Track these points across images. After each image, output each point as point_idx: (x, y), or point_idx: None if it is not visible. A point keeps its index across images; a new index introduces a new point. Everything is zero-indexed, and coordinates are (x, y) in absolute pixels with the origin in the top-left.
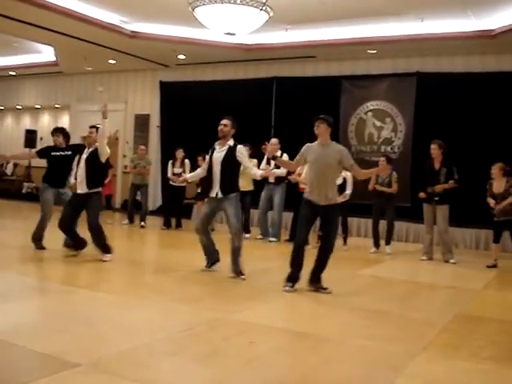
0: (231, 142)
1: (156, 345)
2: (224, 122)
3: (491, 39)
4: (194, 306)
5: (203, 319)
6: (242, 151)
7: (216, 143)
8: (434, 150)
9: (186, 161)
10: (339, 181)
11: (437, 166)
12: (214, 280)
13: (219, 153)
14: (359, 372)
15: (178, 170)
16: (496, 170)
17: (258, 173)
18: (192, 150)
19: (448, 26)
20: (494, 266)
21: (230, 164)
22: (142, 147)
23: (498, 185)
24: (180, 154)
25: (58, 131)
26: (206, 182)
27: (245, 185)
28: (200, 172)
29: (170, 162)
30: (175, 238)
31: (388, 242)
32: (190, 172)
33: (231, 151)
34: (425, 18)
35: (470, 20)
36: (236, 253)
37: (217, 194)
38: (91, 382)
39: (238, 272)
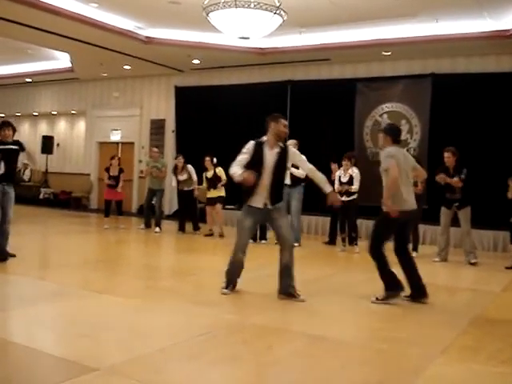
0: (281, 143)
1: (174, 349)
2: (286, 122)
3: (507, 39)
4: (213, 310)
5: (222, 323)
6: (295, 151)
7: (263, 142)
8: (449, 158)
9: (189, 166)
10: (345, 178)
11: (450, 171)
12: None
13: (271, 155)
14: (377, 375)
15: (182, 178)
16: None
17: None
18: (207, 153)
19: (463, 27)
20: None
21: (282, 168)
22: (155, 149)
23: None
24: (180, 161)
25: (8, 124)
26: (245, 189)
27: None
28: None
29: (172, 171)
30: (191, 242)
31: (415, 248)
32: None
33: (284, 153)
34: (439, 19)
35: (486, 20)
36: (289, 270)
37: (265, 205)
38: None
39: (292, 293)
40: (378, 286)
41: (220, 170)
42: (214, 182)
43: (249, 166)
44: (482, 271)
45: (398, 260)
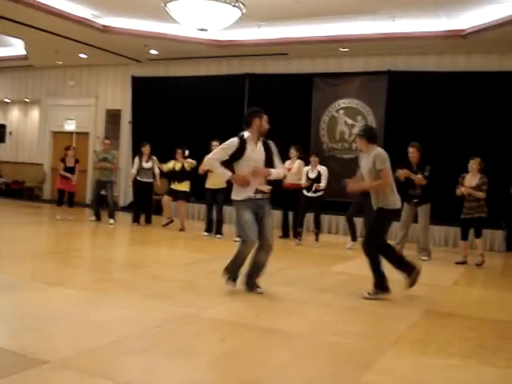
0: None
1: (126, 342)
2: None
3: (462, 39)
4: (165, 303)
5: (174, 316)
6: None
7: (246, 138)
8: (413, 153)
9: (154, 157)
10: (313, 175)
11: (414, 167)
12: (186, 277)
13: (256, 151)
14: (328, 368)
15: (146, 165)
16: (475, 164)
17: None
18: (163, 145)
19: (419, 26)
20: (464, 263)
21: (270, 162)
22: (107, 141)
23: (471, 179)
24: (147, 149)
25: None
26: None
27: (218, 182)
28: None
29: (137, 157)
30: (145, 234)
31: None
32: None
33: (268, 146)
34: (396, 17)
35: (441, 20)
36: (260, 268)
37: (255, 196)
38: (60, 380)
39: (254, 286)
40: (332, 280)
41: (188, 165)
42: (179, 175)
43: (231, 161)
44: (434, 266)
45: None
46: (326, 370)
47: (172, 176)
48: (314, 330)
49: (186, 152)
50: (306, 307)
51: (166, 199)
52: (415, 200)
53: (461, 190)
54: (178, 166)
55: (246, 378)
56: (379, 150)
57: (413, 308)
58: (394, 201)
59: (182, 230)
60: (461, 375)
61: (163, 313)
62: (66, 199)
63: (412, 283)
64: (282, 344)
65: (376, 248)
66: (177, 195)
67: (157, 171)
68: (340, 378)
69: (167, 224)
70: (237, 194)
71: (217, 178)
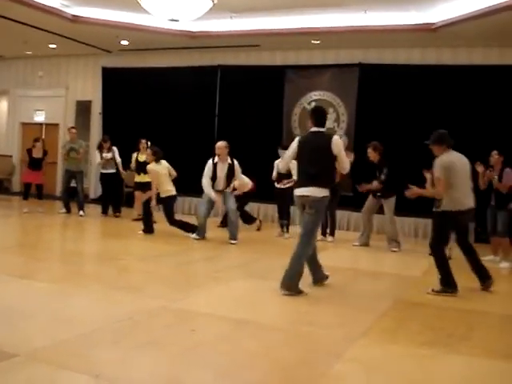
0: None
1: (96, 334)
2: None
3: (432, 32)
4: (135, 295)
5: (144, 308)
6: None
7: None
8: (370, 153)
9: (114, 147)
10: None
11: (376, 166)
12: (157, 269)
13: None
14: (299, 357)
15: (107, 155)
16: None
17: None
18: (134, 136)
19: (390, 19)
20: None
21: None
22: (73, 130)
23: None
24: (106, 144)
25: None
26: None
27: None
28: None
29: (97, 150)
30: (115, 226)
31: (332, 233)
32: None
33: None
34: (368, 10)
35: (412, 13)
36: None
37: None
38: (29, 373)
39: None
40: (305, 271)
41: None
42: (144, 166)
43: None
44: (404, 256)
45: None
46: (298, 359)
47: (137, 168)
48: (285, 320)
49: (149, 143)
50: (277, 298)
51: (137, 194)
52: (378, 194)
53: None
54: (142, 158)
55: (217, 368)
56: (441, 158)
57: (383, 298)
58: (454, 203)
59: (153, 222)
60: (429, 363)
61: (134, 305)
62: (34, 192)
63: (439, 291)
64: (254, 335)
65: (441, 247)
66: (144, 187)
67: (118, 160)
68: (311, 367)
69: (136, 219)
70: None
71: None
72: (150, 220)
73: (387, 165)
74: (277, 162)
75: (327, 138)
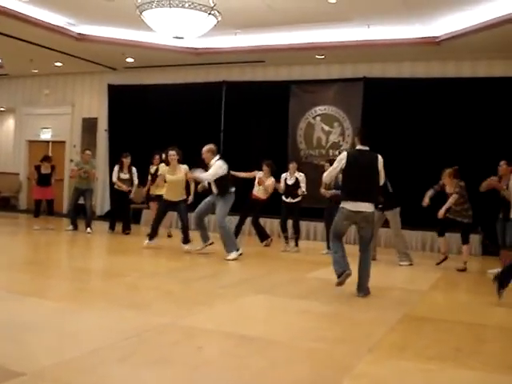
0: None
1: (103, 351)
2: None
3: (436, 46)
4: (142, 312)
5: (151, 325)
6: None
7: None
8: None
9: (133, 168)
10: (291, 181)
11: None
12: (163, 285)
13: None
14: (307, 374)
15: (124, 176)
16: (446, 177)
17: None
18: (140, 153)
19: (394, 33)
20: (444, 259)
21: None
22: (88, 152)
23: (450, 187)
24: (127, 160)
25: None
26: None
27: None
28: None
29: (117, 167)
30: (122, 243)
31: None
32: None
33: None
34: (371, 25)
35: (415, 27)
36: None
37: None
38: None
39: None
40: (310, 286)
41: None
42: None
43: None
44: (411, 270)
45: None
46: (305, 376)
47: (152, 181)
48: (292, 336)
49: (163, 156)
50: (284, 314)
51: (152, 206)
52: (379, 206)
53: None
54: (153, 170)
55: None
56: None
57: (390, 313)
58: None
59: (169, 236)
60: (438, 379)
61: (141, 322)
62: (44, 209)
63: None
64: (260, 351)
65: None
66: (158, 200)
67: (135, 182)
68: (319, 383)
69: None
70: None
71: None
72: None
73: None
74: (284, 175)
75: (375, 156)
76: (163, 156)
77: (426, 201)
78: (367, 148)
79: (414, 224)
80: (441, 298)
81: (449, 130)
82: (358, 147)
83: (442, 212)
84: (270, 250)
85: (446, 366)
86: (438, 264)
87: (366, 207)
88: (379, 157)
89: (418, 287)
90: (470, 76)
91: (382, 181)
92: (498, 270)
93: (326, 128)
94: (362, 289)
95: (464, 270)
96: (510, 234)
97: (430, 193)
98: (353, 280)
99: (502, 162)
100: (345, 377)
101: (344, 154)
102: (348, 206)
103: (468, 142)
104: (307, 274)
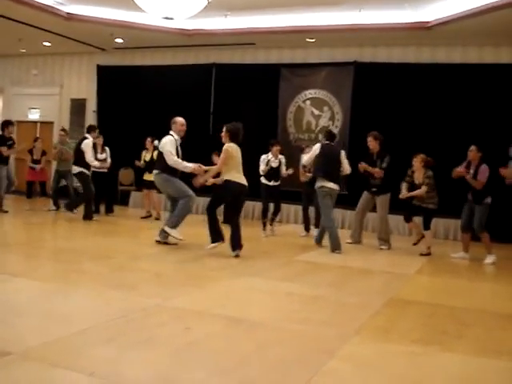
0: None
1: (89, 332)
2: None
3: (426, 31)
4: (130, 293)
5: (138, 306)
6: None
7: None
8: (371, 142)
9: (107, 148)
10: (275, 163)
11: (374, 157)
12: (151, 267)
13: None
14: (293, 355)
15: (101, 157)
16: (417, 162)
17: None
18: (129, 134)
19: (385, 17)
20: (421, 238)
21: None
22: (61, 132)
23: (419, 175)
24: (100, 140)
25: None
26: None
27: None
28: None
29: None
30: (109, 225)
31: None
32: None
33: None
34: (363, 8)
35: (407, 11)
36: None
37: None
38: (23, 371)
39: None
40: (297, 269)
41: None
42: (151, 165)
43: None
44: (397, 255)
45: None
46: (291, 357)
47: (145, 167)
48: (278, 318)
49: (155, 142)
50: (271, 296)
51: (144, 193)
52: (373, 189)
53: (402, 194)
54: (148, 157)
55: (211, 367)
56: None
57: (376, 296)
58: None
59: (157, 219)
60: (423, 361)
61: (128, 303)
62: (38, 190)
63: None
64: (247, 333)
65: None
66: (149, 185)
67: (109, 161)
68: (304, 365)
69: (144, 217)
70: None
71: None
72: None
73: (389, 155)
74: (265, 157)
75: (339, 149)
76: (155, 142)
77: (405, 193)
78: (332, 143)
79: (400, 209)
80: (426, 282)
81: (438, 115)
82: (326, 142)
83: (405, 195)
84: (254, 233)
85: (430, 349)
86: (414, 244)
87: (336, 186)
88: (342, 151)
89: (404, 271)
90: (460, 62)
91: (348, 169)
92: (461, 253)
93: (316, 112)
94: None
95: (428, 254)
96: (478, 218)
97: (404, 186)
98: (341, 265)
99: (473, 147)
100: (330, 358)
101: (318, 145)
102: (328, 185)
103: (457, 127)
104: (295, 257)
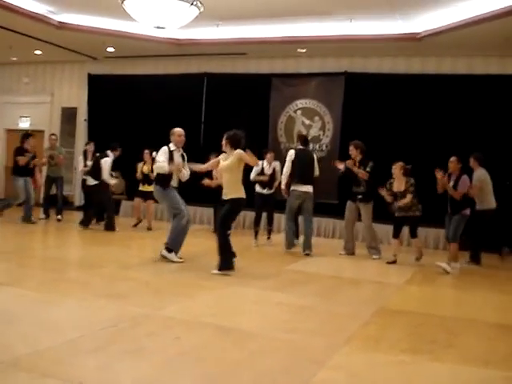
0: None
1: (79, 342)
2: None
3: (417, 42)
4: (119, 303)
5: (128, 315)
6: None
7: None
8: (352, 150)
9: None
10: (269, 171)
11: (357, 165)
12: (140, 276)
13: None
14: (282, 365)
15: (91, 164)
16: (397, 169)
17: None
18: (119, 143)
19: (376, 28)
20: (394, 262)
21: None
22: (52, 137)
23: (399, 183)
24: (91, 148)
25: None
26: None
27: None
28: None
29: (82, 156)
30: (100, 234)
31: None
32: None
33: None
34: (354, 19)
35: (397, 22)
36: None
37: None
38: (12, 380)
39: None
40: (287, 279)
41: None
42: (149, 177)
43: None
44: (386, 265)
45: None
46: (280, 367)
47: (142, 179)
48: (268, 328)
49: (154, 154)
50: (261, 306)
51: (136, 202)
52: (359, 196)
53: (387, 199)
54: (146, 169)
55: (201, 376)
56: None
57: (366, 306)
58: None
59: (149, 229)
60: (412, 371)
61: (117, 312)
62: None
63: None
64: (237, 342)
65: None
66: (146, 196)
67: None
68: (294, 375)
69: (136, 225)
70: None
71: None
72: None
73: (372, 161)
74: (262, 163)
75: (312, 154)
76: (153, 154)
77: (390, 199)
78: (306, 148)
79: (386, 218)
80: (415, 291)
81: (428, 125)
82: (300, 147)
83: (389, 199)
84: (245, 243)
85: (420, 359)
86: (388, 263)
87: (310, 189)
88: (315, 155)
89: (393, 281)
90: (450, 73)
91: (317, 172)
92: (447, 262)
93: (307, 122)
94: (307, 246)
95: (421, 257)
96: (453, 227)
97: (385, 192)
98: (331, 275)
99: (453, 159)
100: (320, 368)
101: (292, 151)
102: (300, 188)
103: (447, 137)
104: (285, 266)
